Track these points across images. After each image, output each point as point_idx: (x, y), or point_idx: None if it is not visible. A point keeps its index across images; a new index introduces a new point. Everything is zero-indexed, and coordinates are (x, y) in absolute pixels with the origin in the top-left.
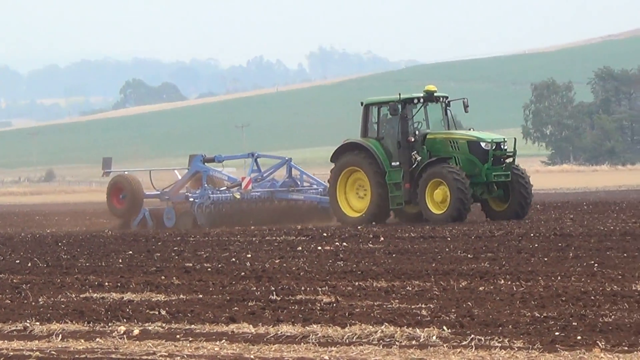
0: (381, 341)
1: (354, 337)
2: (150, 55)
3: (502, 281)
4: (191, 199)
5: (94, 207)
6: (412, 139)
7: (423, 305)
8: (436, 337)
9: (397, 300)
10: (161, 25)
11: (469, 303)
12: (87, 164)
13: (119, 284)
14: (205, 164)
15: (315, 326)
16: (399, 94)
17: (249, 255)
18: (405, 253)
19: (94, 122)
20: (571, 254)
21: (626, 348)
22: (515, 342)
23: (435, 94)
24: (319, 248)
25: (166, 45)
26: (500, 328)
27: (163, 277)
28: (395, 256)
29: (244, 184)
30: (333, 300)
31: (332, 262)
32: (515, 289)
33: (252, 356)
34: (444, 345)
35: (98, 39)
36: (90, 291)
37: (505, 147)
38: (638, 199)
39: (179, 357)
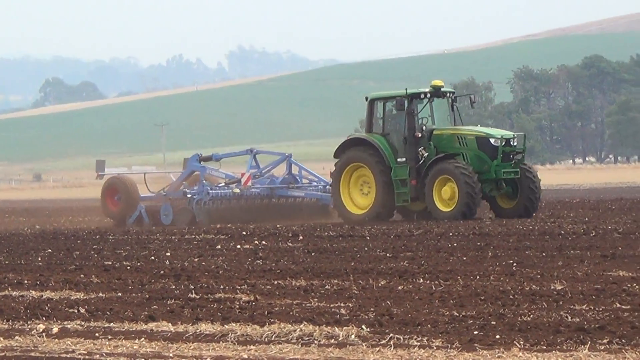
0: (300, 340)
1: (273, 336)
2: (70, 54)
3: (421, 280)
4: (189, 195)
5: (13, 205)
6: (419, 135)
7: (342, 304)
8: (355, 336)
9: (316, 299)
10: (81, 24)
11: (388, 302)
12: (6, 162)
13: (38, 282)
14: (202, 163)
15: (234, 325)
16: (406, 89)
17: (169, 254)
18: (325, 252)
19: (13, 121)
20: (490, 253)
21: (544, 347)
22: (434, 341)
23: (442, 89)
24: (238, 246)
25: (86, 44)
26: (419, 327)
27: (82, 276)
28: (314, 255)
29: (244, 180)
30: (252, 298)
31: (251, 261)
32: (434, 288)
33: (171, 354)
34: (363, 344)
35: (17, 37)
36: (10, 289)
37: (515, 144)
38: (556, 198)
39: (97, 356)
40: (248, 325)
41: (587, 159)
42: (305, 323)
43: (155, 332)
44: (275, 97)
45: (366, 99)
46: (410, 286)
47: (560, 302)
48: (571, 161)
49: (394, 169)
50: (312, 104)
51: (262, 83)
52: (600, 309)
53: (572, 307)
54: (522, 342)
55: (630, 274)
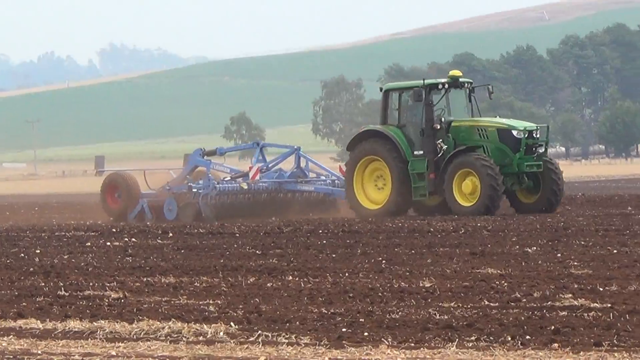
0: (169, 337)
1: (142, 333)
2: None
3: (290, 277)
4: (194, 190)
5: None
6: (438, 127)
7: (211, 301)
8: (223, 333)
9: (184, 296)
10: None
11: (257, 299)
12: None
13: None
14: (206, 157)
15: (103, 322)
16: (423, 79)
17: (38, 251)
18: (194, 249)
19: None
20: (359, 251)
21: (413, 344)
22: (303, 338)
23: (460, 80)
24: (108, 244)
25: None
26: (288, 324)
27: None
28: (183, 252)
29: (252, 174)
30: (121, 296)
31: (121, 258)
32: (303, 285)
33: (39, 352)
34: (231, 341)
35: None
36: None
37: (537, 136)
38: None
39: None
40: (117, 322)
41: None
42: (174, 320)
43: (23, 330)
44: (146, 94)
45: (380, 89)
46: (279, 283)
47: (429, 300)
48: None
49: (411, 162)
50: (183, 101)
51: (133, 80)
52: (469, 306)
53: (440, 304)
54: (390, 340)
55: (498, 271)
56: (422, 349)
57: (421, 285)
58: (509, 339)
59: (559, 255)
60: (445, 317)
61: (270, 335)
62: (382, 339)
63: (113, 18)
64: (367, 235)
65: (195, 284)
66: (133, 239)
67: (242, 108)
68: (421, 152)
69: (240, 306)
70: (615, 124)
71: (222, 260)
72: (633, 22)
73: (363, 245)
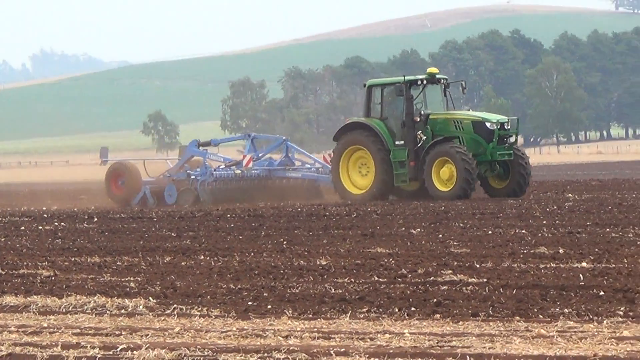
0: (94, 310)
1: (70, 307)
2: None
3: (202, 257)
4: (193, 177)
5: None
6: (418, 119)
7: (131, 279)
8: (143, 307)
9: (108, 274)
10: None
11: (172, 276)
12: None
13: None
14: (201, 147)
15: (35, 297)
16: (404, 76)
17: None
18: (117, 232)
19: None
20: (263, 233)
21: (311, 316)
22: (213, 311)
23: (437, 76)
24: (40, 227)
25: None
26: (200, 298)
27: None
28: (107, 235)
29: (245, 162)
30: (52, 274)
31: (52, 240)
32: (213, 263)
33: None
34: (150, 313)
35: None
36: None
37: (508, 127)
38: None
39: None
40: (48, 297)
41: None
42: (99, 295)
43: None
44: (73, 94)
45: (364, 85)
46: (192, 262)
47: (325, 276)
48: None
49: (392, 151)
50: (105, 101)
51: (61, 82)
52: (360, 282)
53: (335, 280)
54: (291, 312)
55: (387, 250)
56: (319, 319)
57: (318, 263)
58: (396, 310)
59: (440, 236)
60: (340, 291)
61: (184, 308)
62: (284, 311)
63: (44, 26)
64: (270, 219)
65: (118, 263)
66: (62, 223)
67: (158, 107)
68: (402, 142)
69: (158, 282)
70: None
71: (141, 242)
72: (505, 29)
73: (267, 228)
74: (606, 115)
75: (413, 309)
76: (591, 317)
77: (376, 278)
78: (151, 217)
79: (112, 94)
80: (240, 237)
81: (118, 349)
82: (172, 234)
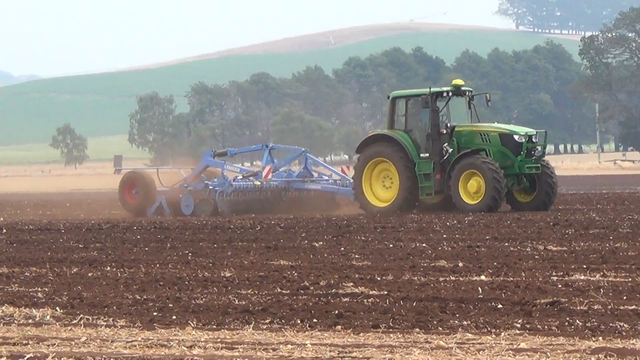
0: (2, 320)
1: None
2: None
3: (109, 268)
4: (210, 187)
5: None
6: (444, 131)
7: (39, 289)
8: (50, 317)
9: (16, 284)
10: None
11: (79, 287)
12: None
13: None
14: (216, 157)
15: None
16: (429, 87)
17: None
18: (25, 243)
19: None
20: (169, 245)
21: (215, 326)
22: (119, 321)
23: (462, 88)
24: None
25: None
26: (106, 309)
27: None
28: (16, 246)
29: (264, 173)
30: None
31: None
32: (119, 274)
33: None
34: (57, 323)
35: None
36: None
37: (536, 140)
38: None
39: None
40: None
41: (254, 162)
42: (7, 305)
43: None
44: None
45: (388, 97)
46: (99, 273)
47: (229, 287)
48: (248, 163)
49: (417, 163)
50: (15, 114)
51: None
52: (264, 293)
53: (239, 291)
54: (195, 322)
55: (290, 262)
56: (223, 330)
57: (222, 274)
58: (299, 321)
59: (342, 249)
60: (243, 302)
61: (90, 318)
62: (188, 322)
63: None
64: (176, 231)
65: (26, 273)
66: None
67: (67, 120)
68: (427, 154)
69: (65, 293)
70: None
71: (49, 253)
72: (408, 46)
73: (172, 240)
74: None
75: (315, 320)
76: (489, 329)
77: (279, 290)
78: (59, 228)
79: (22, 108)
80: (146, 249)
81: (25, 358)
82: (80, 246)
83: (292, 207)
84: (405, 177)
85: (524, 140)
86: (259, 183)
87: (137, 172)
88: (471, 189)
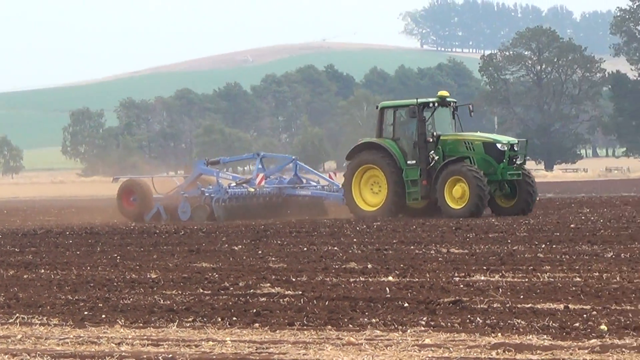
0: None
1: None
2: None
3: (43, 270)
4: (207, 194)
5: None
6: (430, 140)
7: None
8: None
9: None
10: None
11: (15, 288)
12: None
13: None
14: (209, 166)
15: None
16: (416, 99)
17: None
18: None
19: None
20: (99, 248)
21: (141, 324)
22: (52, 319)
23: (447, 99)
24: None
25: None
26: (41, 308)
27: None
28: None
29: (258, 180)
30: None
31: None
32: (53, 276)
33: None
34: None
35: None
36: None
37: (517, 149)
38: None
39: None
40: None
41: (178, 172)
42: None
43: None
44: None
45: (376, 107)
46: (34, 275)
47: (155, 288)
48: (165, 174)
49: (405, 170)
50: None
51: None
52: (187, 294)
53: (164, 292)
54: (123, 321)
55: (211, 265)
56: (149, 328)
57: (148, 276)
58: (219, 320)
59: (260, 252)
60: (168, 302)
61: (26, 317)
62: (117, 320)
63: None
64: (105, 236)
65: None
66: None
67: (3, 133)
68: (414, 161)
69: (2, 294)
70: (307, 146)
71: None
72: (320, 64)
73: (102, 244)
74: None
75: (234, 318)
76: (396, 326)
77: (201, 290)
78: None
79: None
80: (78, 253)
81: None
82: (16, 250)
83: (283, 212)
84: (393, 183)
85: (506, 148)
86: (252, 190)
87: (134, 180)
88: (456, 195)
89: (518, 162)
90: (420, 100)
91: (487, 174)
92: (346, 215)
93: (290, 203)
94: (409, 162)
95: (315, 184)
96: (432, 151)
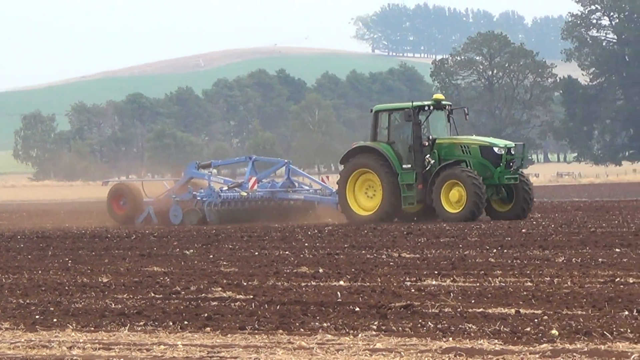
0: None
1: None
2: None
3: None
4: (198, 198)
5: None
6: (426, 143)
7: None
8: None
9: None
10: None
11: None
12: None
13: None
14: (200, 169)
15: None
16: (412, 102)
17: None
18: None
19: None
20: (50, 253)
21: (93, 328)
22: (4, 323)
23: (442, 102)
24: None
25: None
26: None
27: None
28: None
29: (250, 184)
30: None
31: None
32: (4, 280)
33: None
34: None
35: None
36: None
37: (514, 153)
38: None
39: None
40: None
41: (130, 176)
42: None
43: None
44: None
45: (371, 110)
46: None
47: (106, 292)
48: (116, 178)
49: (400, 174)
50: None
51: None
52: (138, 298)
53: (115, 296)
54: (74, 324)
55: (162, 269)
56: (100, 332)
57: (100, 280)
58: (171, 323)
59: (211, 256)
60: (119, 306)
61: None
62: (68, 324)
63: None
64: (57, 240)
65: None
66: None
67: None
68: (409, 165)
69: None
70: (258, 151)
71: None
72: (272, 68)
73: (53, 248)
74: None
75: (186, 322)
76: (347, 330)
77: (152, 294)
78: None
79: None
80: (29, 257)
81: None
82: None
83: (275, 216)
84: (388, 187)
85: (503, 152)
86: (245, 194)
87: (124, 184)
88: (453, 199)
89: (515, 166)
90: (415, 103)
91: (484, 178)
92: (336, 219)
93: (283, 207)
94: (404, 165)
95: (307, 187)
96: (428, 155)
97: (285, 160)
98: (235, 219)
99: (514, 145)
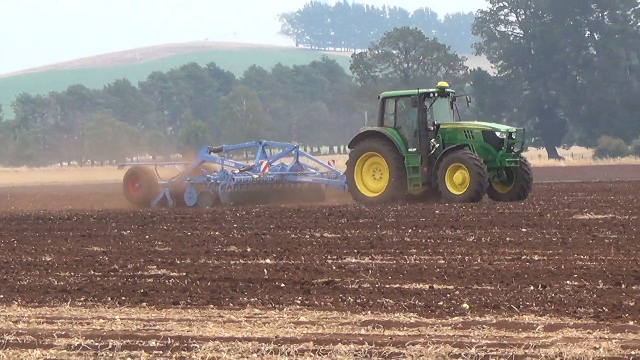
0: None
1: None
2: None
3: None
4: (212, 180)
5: None
6: (431, 128)
7: None
8: None
9: None
10: None
11: None
12: None
13: None
14: (212, 153)
15: None
16: (417, 89)
17: None
18: None
19: None
20: None
21: (37, 304)
22: None
23: (446, 89)
24: None
25: None
26: None
27: None
28: None
29: (262, 168)
30: None
31: None
32: None
33: None
34: None
35: None
36: None
37: (514, 137)
38: (50, 190)
39: None
40: None
41: (71, 162)
42: None
43: None
44: None
45: (378, 97)
46: None
47: (49, 270)
48: (59, 164)
49: (406, 157)
50: None
51: None
52: (79, 275)
53: (58, 273)
54: (20, 300)
55: (102, 248)
56: (44, 307)
57: (43, 259)
58: (109, 299)
59: (147, 236)
60: (62, 283)
61: None
62: (14, 300)
63: None
64: (3, 222)
65: None
66: None
67: None
68: (414, 149)
69: None
70: (190, 139)
71: None
72: (203, 62)
73: (0, 230)
74: (288, 136)
75: (123, 298)
76: (273, 305)
77: (92, 272)
78: None
79: None
80: None
81: None
82: None
83: (284, 197)
84: (395, 169)
85: (505, 136)
86: (257, 176)
87: (139, 167)
88: (457, 181)
89: (516, 150)
90: (421, 90)
91: (486, 161)
92: (343, 200)
93: (292, 189)
94: (410, 149)
95: (314, 170)
96: (433, 139)
97: (295, 145)
98: (247, 201)
99: (515, 130)
